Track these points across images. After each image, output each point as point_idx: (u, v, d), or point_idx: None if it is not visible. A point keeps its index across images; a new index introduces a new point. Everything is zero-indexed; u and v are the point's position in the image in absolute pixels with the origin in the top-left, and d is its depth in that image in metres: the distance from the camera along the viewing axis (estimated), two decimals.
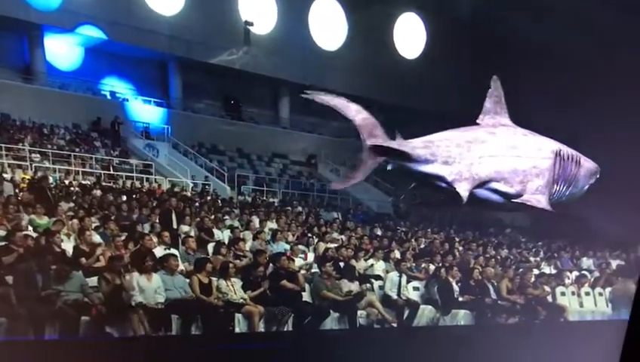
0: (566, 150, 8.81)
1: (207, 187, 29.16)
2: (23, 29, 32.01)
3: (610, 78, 27.18)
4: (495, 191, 8.35)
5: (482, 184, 8.24)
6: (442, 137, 8.60)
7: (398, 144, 8.50)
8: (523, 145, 8.57)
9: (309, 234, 18.44)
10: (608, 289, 16.91)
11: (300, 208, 26.47)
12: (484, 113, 9.13)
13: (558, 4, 35.12)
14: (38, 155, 26.75)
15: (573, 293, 16.64)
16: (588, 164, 9.19)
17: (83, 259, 12.16)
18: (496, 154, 8.35)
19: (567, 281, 17.10)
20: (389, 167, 8.65)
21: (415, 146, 8.51)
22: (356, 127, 8.34)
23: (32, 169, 24.22)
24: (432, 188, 8.63)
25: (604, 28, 33.53)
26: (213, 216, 18.93)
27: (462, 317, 14.26)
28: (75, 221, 14.89)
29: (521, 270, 17.11)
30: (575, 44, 33.90)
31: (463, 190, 8.09)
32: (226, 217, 19.72)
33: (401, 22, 41.26)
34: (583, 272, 18.95)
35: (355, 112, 8.33)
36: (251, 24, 36.41)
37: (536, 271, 17.36)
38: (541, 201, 8.51)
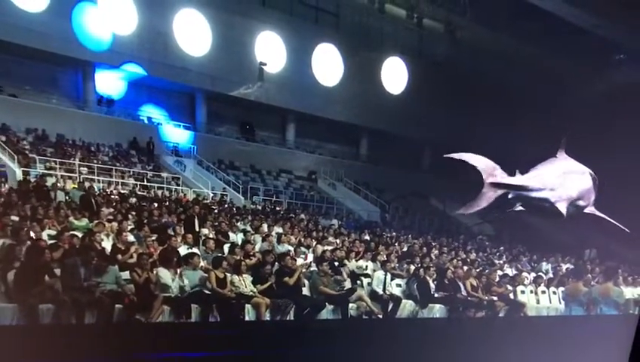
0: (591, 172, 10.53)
1: (224, 197, 29.02)
2: (78, 65, 32.15)
3: (557, 111, 27.28)
4: (576, 206, 10.20)
5: (571, 202, 10.01)
6: (545, 171, 10.14)
7: (517, 179, 9.84)
8: (582, 170, 10.40)
9: (309, 238, 18.18)
10: (561, 289, 16.72)
11: (302, 216, 26.28)
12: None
13: (514, 52, 35.40)
14: (85, 169, 26.67)
15: (531, 291, 16.45)
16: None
17: (119, 256, 12.02)
18: (576, 180, 10.24)
19: (526, 281, 16.89)
20: (510, 195, 9.98)
21: (529, 178, 9.96)
22: (480, 170, 9.86)
23: (80, 180, 24.07)
24: (536, 208, 10.30)
25: (551, 70, 33.75)
26: (228, 221, 18.67)
27: (437, 310, 14.10)
28: (114, 223, 14.77)
29: (487, 271, 16.98)
30: (528, 82, 34.13)
31: (563, 208, 9.89)
32: (240, 222, 19.52)
33: (387, 64, 41.27)
34: (540, 274, 18.74)
35: (479, 161, 9.90)
36: (265, 64, 36.38)
37: (499, 272, 17.16)
38: (595, 211, 10.45)
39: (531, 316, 15.25)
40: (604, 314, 14.55)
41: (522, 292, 16.12)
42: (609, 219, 10.62)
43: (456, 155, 9.77)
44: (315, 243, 17.39)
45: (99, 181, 25.53)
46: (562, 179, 9.95)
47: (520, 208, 9.90)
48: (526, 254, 23.23)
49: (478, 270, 16.95)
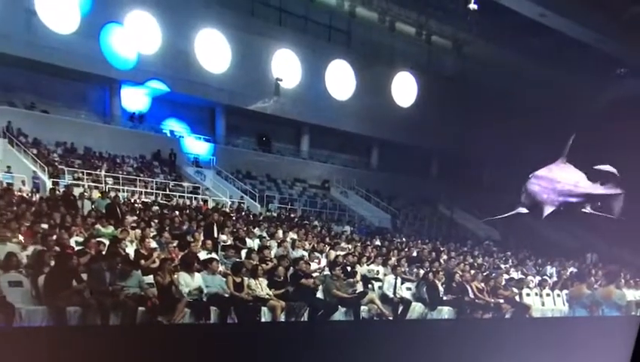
0: None
1: (242, 205, 29.07)
2: (106, 83, 32.45)
3: (558, 121, 27.12)
4: None
5: None
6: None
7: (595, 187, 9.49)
8: None
9: (322, 244, 18.12)
10: (565, 291, 16.54)
11: (315, 222, 26.25)
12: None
13: (518, 66, 35.34)
14: (111, 179, 26.82)
15: (536, 294, 16.30)
16: None
17: (142, 261, 11.96)
18: None
19: (531, 284, 16.74)
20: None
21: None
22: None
23: (106, 190, 24.19)
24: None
25: (555, 84, 33.63)
26: (246, 228, 18.67)
27: (445, 312, 13.97)
28: (138, 230, 14.78)
29: (493, 275, 16.83)
30: (531, 95, 34.05)
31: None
32: (256, 229, 19.44)
33: (397, 78, 41.29)
34: (544, 277, 18.55)
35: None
36: (281, 80, 36.61)
37: (506, 276, 17.05)
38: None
39: (536, 317, 15.08)
40: (606, 316, 14.35)
41: (528, 294, 15.95)
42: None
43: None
44: (328, 248, 17.32)
45: (123, 190, 25.72)
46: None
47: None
48: (531, 258, 23.02)
49: (485, 274, 16.77)
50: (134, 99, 34.14)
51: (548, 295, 16.50)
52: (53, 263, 9.98)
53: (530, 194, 9.41)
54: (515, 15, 33.31)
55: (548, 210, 9.15)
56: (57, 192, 20.51)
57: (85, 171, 26.79)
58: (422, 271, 15.35)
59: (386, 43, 40.36)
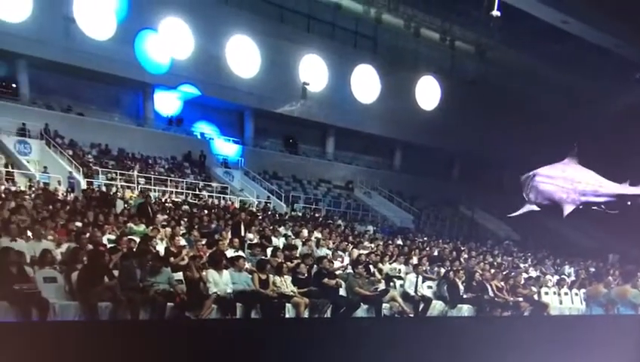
0: None
1: (268, 204, 29.12)
2: (139, 87, 32.80)
3: (578, 126, 26.77)
4: None
5: None
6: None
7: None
8: None
9: (346, 243, 18.03)
10: (583, 290, 16.25)
11: (339, 222, 26.16)
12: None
13: (539, 71, 34.97)
14: (143, 179, 27.04)
15: (554, 293, 16.04)
16: None
17: (171, 258, 11.97)
18: None
19: (549, 283, 16.48)
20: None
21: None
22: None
23: (138, 190, 24.40)
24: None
25: (575, 88, 33.23)
26: (271, 227, 18.70)
27: (465, 310, 13.78)
28: (168, 229, 14.81)
29: (513, 274, 16.60)
30: (551, 99, 33.66)
31: None
32: (282, 228, 19.45)
33: (421, 82, 41.17)
34: (563, 276, 18.29)
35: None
36: (308, 84, 36.68)
37: (525, 275, 16.80)
38: None
39: (554, 315, 14.85)
40: (622, 314, 14.08)
41: (546, 293, 15.73)
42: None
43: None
44: (351, 247, 17.21)
45: (155, 190, 25.90)
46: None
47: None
48: (550, 258, 22.71)
49: (504, 273, 16.58)
50: (167, 102, 34.41)
51: (566, 294, 16.26)
52: (86, 260, 10.01)
53: (544, 193, 9.15)
54: (537, 21, 32.99)
55: (568, 209, 8.97)
56: (92, 192, 20.74)
57: (118, 171, 27.08)
58: (443, 270, 15.18)
59: (411, 48, 40.21)
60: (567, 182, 9.39)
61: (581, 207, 9.34)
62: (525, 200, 9.52)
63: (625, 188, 9.37)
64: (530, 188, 9.26)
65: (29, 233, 11.16)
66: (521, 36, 35.60)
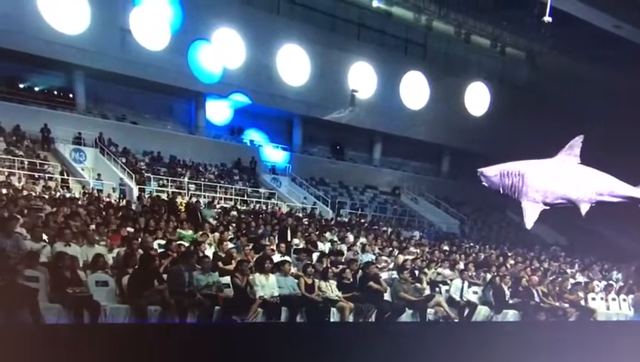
0: None
1: (314, 210, 29.10)
2: (192, 96, 33.24)
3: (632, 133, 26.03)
4: None
5: None
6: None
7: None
8: None
9: (391, 248, 17.87)
10: (631, 296, 15.74)
11: (385, 227, 25.95)
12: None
13: (591, 77, 34.10)
14: (193, 186, 27.40)
15: (601, 299, 15.58)
16: None
17: (219, 263, 12.05)
18: None
19: (597, 289, 16.00)
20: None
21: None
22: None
23: (188, 195, 24.72)
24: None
25: (629, 94, 32.24)
26: (317, 232, 18.67)
27: (511, 315, 13.48)
28: (217, 234, 14.92)
29: (559, 279, 16.16)
30: (603, 105, 32.82)
31: None
32: (328, 233, 19.37)
33: (471, 88, 40.62)
34: (610, 282, 17.74)
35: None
36: (356, 91, 36.58)
37: (572, 280, 16.32)
38: None
39: (601, 321, 14.41)
40: None
41: (593, 299, 15.28)
42: None
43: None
44: (396, 252, 17.06)
45: (205, 196, 26.19)
46: None
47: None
48: (597, 263, 22.01)
49: (551, 278, 16.17)
50: (218, 110, 34.83)
51: (613, 299, 15.81)
52: (137, 264, 10.17)
53: (551, 192, 8.65)
54: (589, 26, 32.21)
55: (585, 208, 8.55)
56: (144, 198, 21.07)
57: (170, 178, 27.51)
58: (489, 276, 14.90)
59: (461, 54, 40.05)
60: (577, 181, 8.91)
61: (594, 205, 8.86)
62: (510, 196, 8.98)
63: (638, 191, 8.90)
64: (529, 187, 8.73)
65: (83, 238, 11.37)
66: (573, 42, 34.88)
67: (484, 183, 8.55)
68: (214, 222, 17.44)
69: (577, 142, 8.99)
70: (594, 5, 30.80)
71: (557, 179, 8.88)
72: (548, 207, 8.94)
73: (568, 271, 19.60)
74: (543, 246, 27.51)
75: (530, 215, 8.80)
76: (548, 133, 31.34)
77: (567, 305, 14.23)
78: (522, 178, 8.68)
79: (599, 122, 29.88)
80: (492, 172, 8.63)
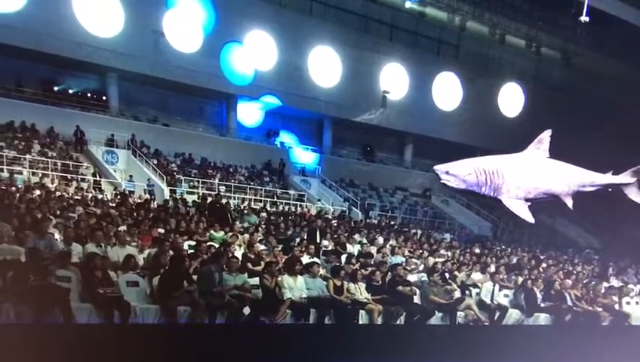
0: None
1: (344, 212, 29.02)
2: (223, 98, 33.61)
3: None
4: None
5: None
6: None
7: None
8: None
9: (421, 251, 17.72)
10: None
11: (415, 230, 25.76)
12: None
13: (628, 77, 33.39)
14: (223, 187, 27.53)
15: (636, 303, 15.15)
16: None
17: (249, 264, 12.07)
18: None
19: (631, 293, 15.60)
20: None
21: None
22: None
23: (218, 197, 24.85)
24: None
25: None
26: (347, 234, 18.60)
27: (542, 319, 13.28)
28: (246, 235, 14.93)
29: (593, 283, 15.85)
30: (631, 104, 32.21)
31: None
32: (357, 235, 19.30)
33: (504, 89, 40.41)
34: None
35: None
36: (388, 92, 36.69)
37: (606, 284, 15.98)
38: None
39: (635, 325, 14.07)
40: None
41: (627, 303, 14.86)
42: None
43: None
44: (426, 255, 16.92)
45: (235, 198, 26.33)
46: None
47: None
48: (632, 267, 21.52)
49: (584, 282, 15.85)
50: (249, 112, 35.02)
51: None
52: (167, 265, 10.21)
53: (534, 188, 8.29)
54: (626, 26, 31.54)
55: (570, 200, 8.28)
56: (176, 200, 21.21)
57: (200, 180, 27.73)
58: (520, 279, 14.67)
59: (495, 55, 39.78)
60: (556, 176, 8.59)
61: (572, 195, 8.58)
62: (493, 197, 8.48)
63: (609, 178, 8.67)
64: (506, 183, 8.24)
65: (114, 239, 11.49)
66: (610, 42, 34.22)
67: (450, 183, 7.72)
68: (246, 225, 17.47)
69: (546, 135, 8.69)
70: (632, 4, 30.17)
71: (537, 174, 8.53)
72: (529, 203, 8.64)
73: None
74: (576, 249, 27.05)
75: (522, 211, 8.44)
76: (584, 134, 31.01)
77: (600, 309, 13.98)
78: (501, 175, 8.14)
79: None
80: (464, 170, 7.82)
